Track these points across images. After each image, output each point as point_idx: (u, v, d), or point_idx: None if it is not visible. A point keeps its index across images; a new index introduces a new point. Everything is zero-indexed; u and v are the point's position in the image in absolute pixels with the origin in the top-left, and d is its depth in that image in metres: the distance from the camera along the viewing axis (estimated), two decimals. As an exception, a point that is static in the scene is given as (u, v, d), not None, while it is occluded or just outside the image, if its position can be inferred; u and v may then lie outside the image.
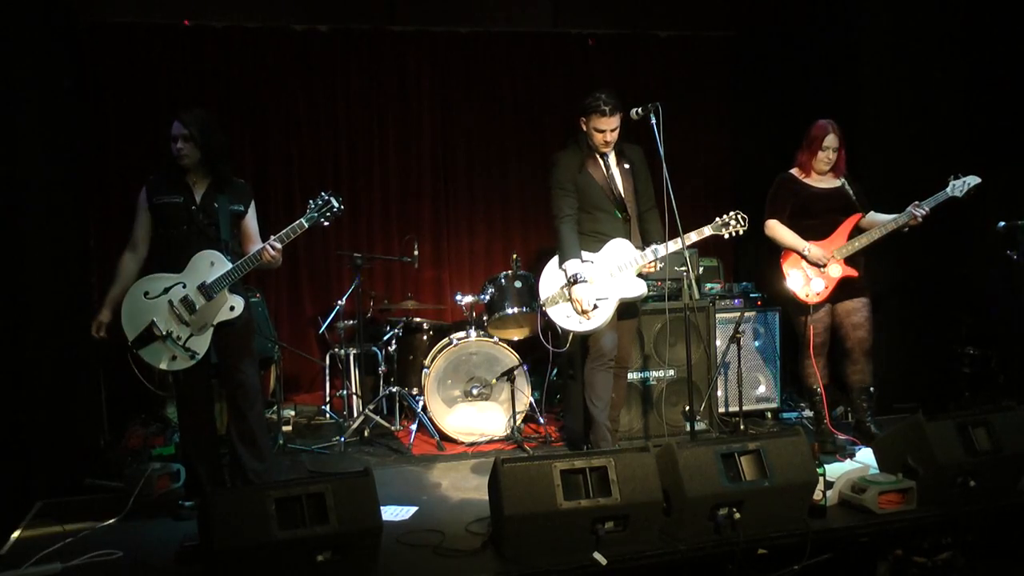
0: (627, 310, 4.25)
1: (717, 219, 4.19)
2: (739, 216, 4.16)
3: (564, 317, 4.13)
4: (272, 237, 3.68)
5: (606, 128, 4.06)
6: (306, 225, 3.69)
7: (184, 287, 3.64)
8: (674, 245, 4.05)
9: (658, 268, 4.20)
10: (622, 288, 4.13)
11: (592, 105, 4.05)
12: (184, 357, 3.63)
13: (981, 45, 5.42)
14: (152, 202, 3.71)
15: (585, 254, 4.14)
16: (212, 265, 3.65)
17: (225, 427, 3.94)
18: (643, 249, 4.16)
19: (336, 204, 3.73)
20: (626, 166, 4.23)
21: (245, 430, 3.76)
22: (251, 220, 3.90)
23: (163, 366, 3.66)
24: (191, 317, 3.63)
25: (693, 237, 4.11)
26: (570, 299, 4.07)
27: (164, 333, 3.60)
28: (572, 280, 4.04)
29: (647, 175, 4.29)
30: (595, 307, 4.05)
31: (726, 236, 4.20)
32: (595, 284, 4.08)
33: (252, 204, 3.90)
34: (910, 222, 4.31)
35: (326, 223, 3.76)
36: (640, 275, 4.17)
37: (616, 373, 4.29)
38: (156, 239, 3.75)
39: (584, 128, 4.13)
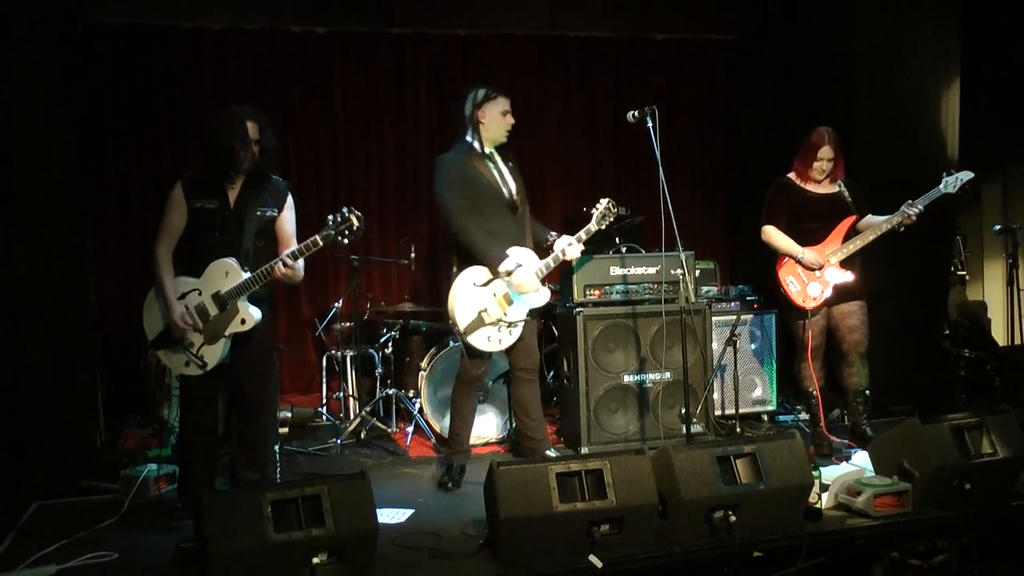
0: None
1: (595, 210, 4.11)
2: (610, 204, 4.11)
3: (485, 340, 3.98)
4: (285, 253, 3.54)
5: (509, 109, 4.02)
6: (320, 243, 3.46)
7: (199, 294, 3.57)
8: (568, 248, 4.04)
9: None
10: (531, 300, 4.05)
11: (489, 94, 4.00)
12: (195, 365, 3.58)
13: (977, 50, 5.44)
14: (189, 204, 3.57)
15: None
16: (227, 275, 3.54)
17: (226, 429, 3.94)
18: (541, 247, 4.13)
19: (357, 223, 3.46)
20: (510, 164, 4.13)
21: (244, 437, 3.73)
22: (285, 223, 3.72)
23: (178, 370, 3.66)
24: (204, 325, 3.56)
25: (583, 237, 4.08)
26: (507, 295, 3.97)
27: (178, 338, 3.58)
28: (508, 273, 3.95)
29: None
30: (511, 326, 3.98)
31: (604, 227, 4.12)
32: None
33: (288, 205, 3.73)
34: (904, 221, 4.32)
35: (346, 242, 3.48)
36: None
37: (528, 379, 4.19)
38: (184, 240, 3.63)
39: (481, 121, 4.02)
